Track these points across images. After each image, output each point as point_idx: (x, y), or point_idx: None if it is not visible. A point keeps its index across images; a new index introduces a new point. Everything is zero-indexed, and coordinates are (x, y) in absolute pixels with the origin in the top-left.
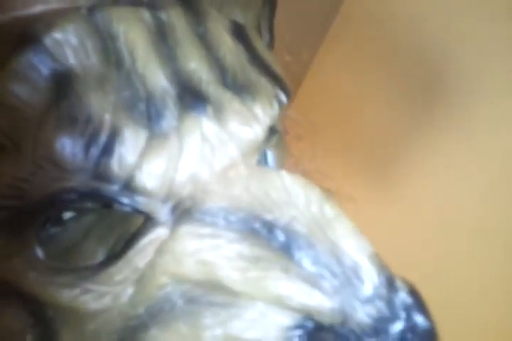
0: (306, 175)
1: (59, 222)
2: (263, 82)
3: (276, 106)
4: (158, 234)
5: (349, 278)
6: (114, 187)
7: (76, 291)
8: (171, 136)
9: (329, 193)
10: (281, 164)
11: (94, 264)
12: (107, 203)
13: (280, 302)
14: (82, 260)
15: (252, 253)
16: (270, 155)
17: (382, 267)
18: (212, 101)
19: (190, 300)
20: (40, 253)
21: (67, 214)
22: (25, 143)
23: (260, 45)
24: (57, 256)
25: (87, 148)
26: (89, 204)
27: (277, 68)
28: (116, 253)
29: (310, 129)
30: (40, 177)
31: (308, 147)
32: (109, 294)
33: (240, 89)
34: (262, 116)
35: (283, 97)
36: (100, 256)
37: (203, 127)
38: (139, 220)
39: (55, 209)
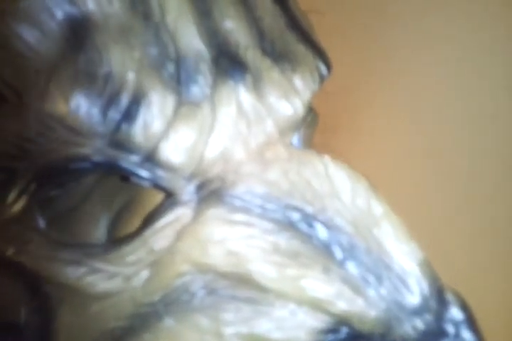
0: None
1: (59, 184)
2: (303, 51)
3: (317, 79)
4: (180, 214)
5: (396, 286)
6: (134, 158)
7: (82, 270)
8: (203, 105)
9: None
10: (308, 146)
11: (104, 241)
12: (124, 175)
13: (317, 306)
14: (84, 225)
15: (289, 248)
16: (296, 135)
17: (434, 277)
18: (250, 69)
19: (212, 293)
20: (41, 222)
21: (60, 183)
22: (30, 96)
23: (298, 8)
24: (57, 220)
25: (105, 110)
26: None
27: (316, 36)
28: (132, 232)
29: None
30: (48, 138)
31: None
32: (120, 276)
33: (279, 57)
34: (303, 90)
35: (324, 70)
36: (103, 221)
37: (239, 98)
38: (146, 189)
39: (61, 176)
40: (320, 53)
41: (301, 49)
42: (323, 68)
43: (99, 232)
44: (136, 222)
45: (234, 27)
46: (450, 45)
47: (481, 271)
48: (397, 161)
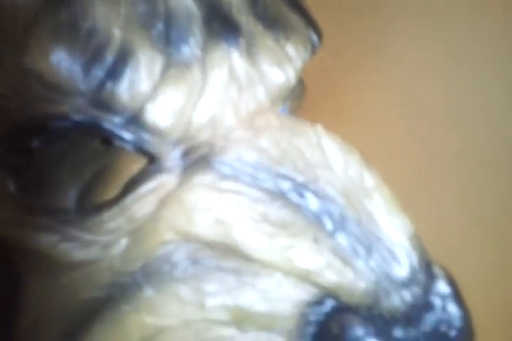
0: None
1: (26, 149)
2: (296, 20)
3: (309, 48)
4: (164, 181)
5: (385, 257)
6: (117, 119)
7: (56, 237)
8: (193, 67)
9: None
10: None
11: (80, 207)
12: (106, 138)
13: (305, 277)
14: (54, 192)
15: (279, 218)
16: (282, 105)
17: (422, 250)
18: (244, 34)
19: (196, 263)
20: (11, 186)
21: (35, 143)
22: (7, 51)
23: None
24: (26, 186)
25: (88, 67)
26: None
27: (307, 6)
28: (111, 199)
29: None
30: (24, 96)
31: None
32: (97, 244)
33: (272, 24)
34: (295, 58)
35: (315, 39)
36: (73, 190)
37: (232, 62)
38: (124, 155)
39: (37, 136)
40: (311, 23)
41: (293, 17)
42: (314, 38)
43: (69, 201)
44: (108, 192)
45: None
46: (438, 30)
47: (470, 247)
48: (376, 147)
